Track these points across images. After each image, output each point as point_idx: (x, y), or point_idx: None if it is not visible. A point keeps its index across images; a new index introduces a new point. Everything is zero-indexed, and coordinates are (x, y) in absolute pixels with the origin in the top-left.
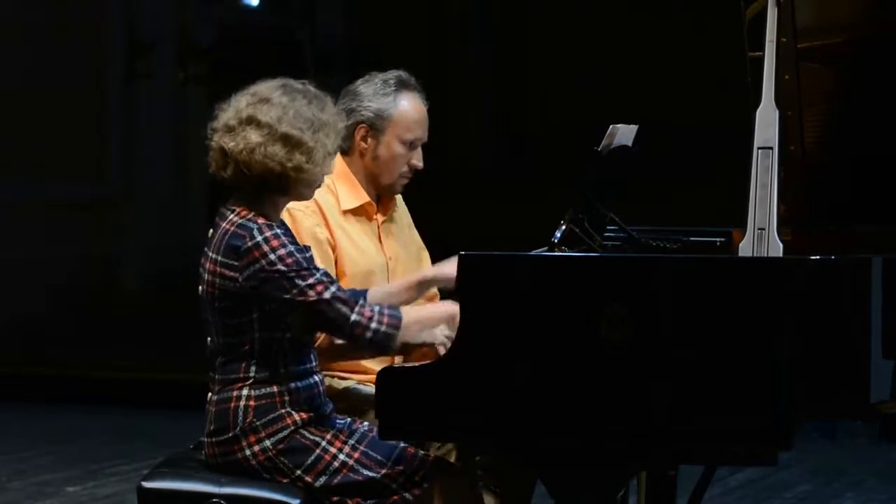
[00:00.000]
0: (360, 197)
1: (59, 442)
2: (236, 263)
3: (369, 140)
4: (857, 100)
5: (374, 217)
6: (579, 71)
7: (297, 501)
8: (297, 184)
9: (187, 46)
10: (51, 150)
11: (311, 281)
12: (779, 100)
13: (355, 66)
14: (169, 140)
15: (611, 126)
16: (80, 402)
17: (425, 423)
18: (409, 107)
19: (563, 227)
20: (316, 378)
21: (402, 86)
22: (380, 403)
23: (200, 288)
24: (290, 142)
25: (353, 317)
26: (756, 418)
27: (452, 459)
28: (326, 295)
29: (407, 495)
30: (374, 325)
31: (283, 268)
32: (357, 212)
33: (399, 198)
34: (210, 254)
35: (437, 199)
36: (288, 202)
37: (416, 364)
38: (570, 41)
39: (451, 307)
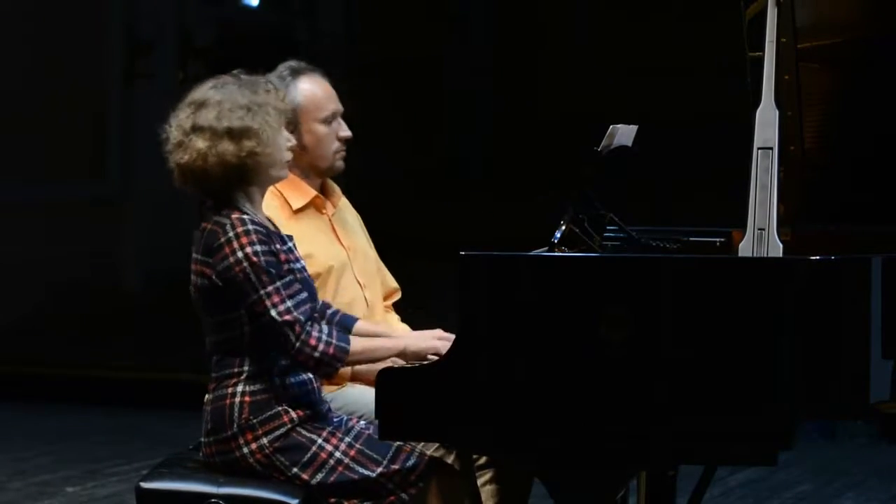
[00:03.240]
0: (307, 193)
1: (59, 442)
2: (210, 260)
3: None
4: (857, 100)
5: (325, 211)
6: (580, 70)
7: (296, 501)
8: (257, 170)
9: (187, 46)
10: (51, 150)
11: (269, 289)
12: (779, 100)
13: (355, 65)
14: None
15: (611, 126)
16: (80, 402)
17: (425, 424)
18: (309, 88)
19: (563, 227)
20: (310, 374)
21: (294, 73)
22: (379, 404)
23: (191, 290)
24: (233, 134)
25: (297, 344)
26: (756, 418)
27: (451, 459)
28: (276, 311)
29: (403, 495)
30: (317, 354)
31: (247, 266)
32: (307, 208)
33: (346, 202)
34: (194, 254)
35: (436, 199)
36: (261, 190)
37: (416, 364)
38: (570, 41)
39: (404, 342)
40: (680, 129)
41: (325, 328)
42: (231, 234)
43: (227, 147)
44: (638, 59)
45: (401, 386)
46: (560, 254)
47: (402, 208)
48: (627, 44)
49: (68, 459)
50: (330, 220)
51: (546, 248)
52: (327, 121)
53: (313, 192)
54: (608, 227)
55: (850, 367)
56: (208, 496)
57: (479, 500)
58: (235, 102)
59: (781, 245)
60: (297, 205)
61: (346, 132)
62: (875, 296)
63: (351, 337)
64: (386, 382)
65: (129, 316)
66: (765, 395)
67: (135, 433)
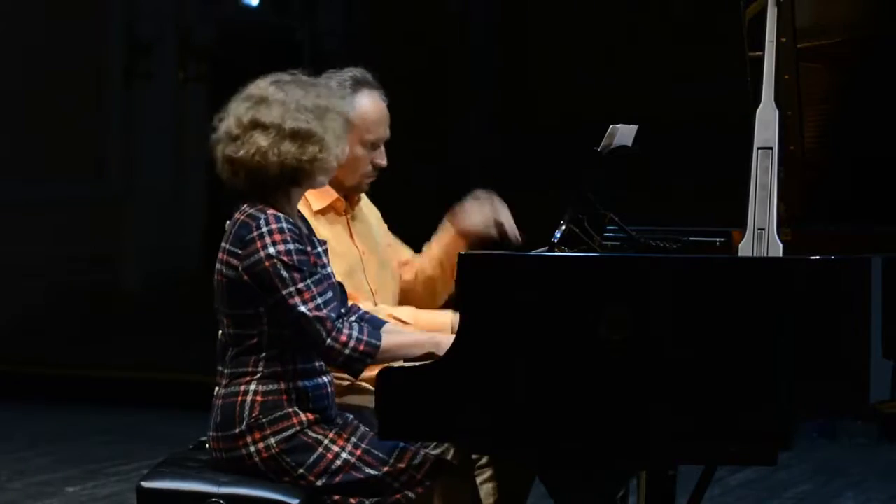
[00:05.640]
0: (329, 195)
1: (59, 442)
2: (239, 252)
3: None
4: (857, 100)
5: (343, 213)
6: (579, 70)
7: (297, 501)
8: (312, 174)
9: (187, 46)
10: (51, 150)
11: (300, 286)
12: (779, 100)
13: (355, 66)
14: (169, 140)
15: (611, 126)
16: (80, 402)
17: (425, 424)
18: (367, 108)
19: (563, 227)
20: (325, 379)
21: (358, 85)
22: (380, 403)
23: (214, 279)
24: (299, 136)
25: (328, 341)
26: (756, 418)
27: (450, 456)
28: (307, 308)
29: (409, 494)
30: (347, 351)
31: (277, 262)
32: (327, 210)
33: (366, 200)
34: (222, 244)
35: (437, 200)
36: (303, 192)
37: (416, 364)
38: (570, 41)
39: (437, 338)
40: (680, 130)
41: (355, 326)
42: (265, 229)
43: (289, 148)
44: (638, 59)
45: (401, 386)
46: (560, 254)
47: (403, 209)
48: (627, 44)
49: (68, 459)
50: (348, 221)
51: (546, 248)
52: (369, 144)
53: (335, 195)
54: (608, 227)
55: (850, 367)
56: (209, 496)
57: (478, 500)
58: (301, 104)
59: (781, 245)
60: (317, 206)
61: (382, 161)
62: (875, 296)
63: (382, 333)
64: (386, 382)
65: (129, 316)
66: (765, 395)
67: (135, 433)
